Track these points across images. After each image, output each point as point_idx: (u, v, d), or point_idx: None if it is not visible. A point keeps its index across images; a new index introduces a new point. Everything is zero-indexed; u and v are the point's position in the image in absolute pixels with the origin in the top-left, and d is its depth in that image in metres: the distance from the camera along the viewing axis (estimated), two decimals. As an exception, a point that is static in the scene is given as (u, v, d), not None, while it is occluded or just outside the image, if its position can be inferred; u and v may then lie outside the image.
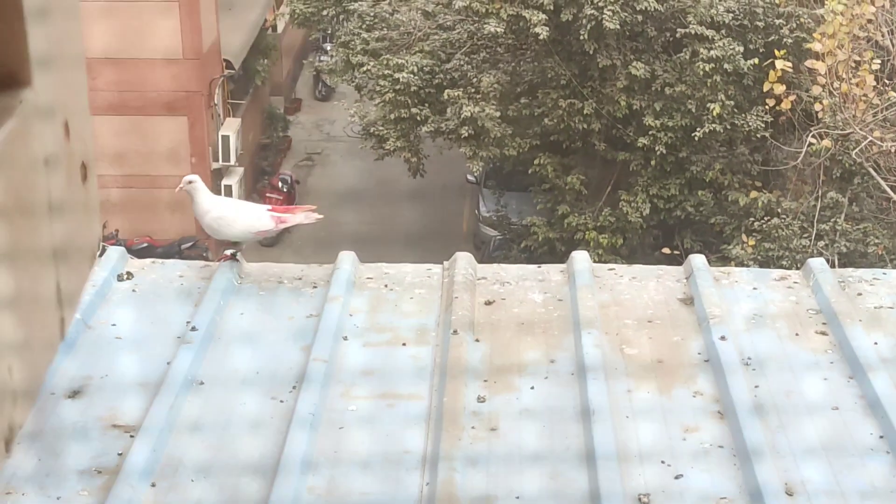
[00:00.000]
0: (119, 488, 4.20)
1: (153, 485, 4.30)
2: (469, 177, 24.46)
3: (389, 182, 25.12)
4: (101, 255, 5.66)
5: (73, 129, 1.13)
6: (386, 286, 5.62)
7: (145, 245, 22.68)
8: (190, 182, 5.83)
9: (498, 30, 19.12)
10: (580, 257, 5.78)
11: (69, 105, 1.13)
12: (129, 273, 5.70)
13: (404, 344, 5.15)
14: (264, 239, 22.61)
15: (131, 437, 4.54)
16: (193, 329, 5.16)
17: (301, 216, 5.83)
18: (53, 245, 1.07)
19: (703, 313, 5.27)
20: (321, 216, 5.77)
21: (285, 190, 25.23)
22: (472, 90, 19.81)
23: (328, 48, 27.04)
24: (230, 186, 24.27)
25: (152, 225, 23.05)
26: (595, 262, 5.91)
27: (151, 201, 23.15)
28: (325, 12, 23.22)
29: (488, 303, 5.45)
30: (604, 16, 18.41)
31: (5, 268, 1.01)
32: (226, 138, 24.23)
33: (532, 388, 4.81)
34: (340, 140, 28.34)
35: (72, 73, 1.16)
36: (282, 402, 4.75)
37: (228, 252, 5.76)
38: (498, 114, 19.44)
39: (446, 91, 19.77)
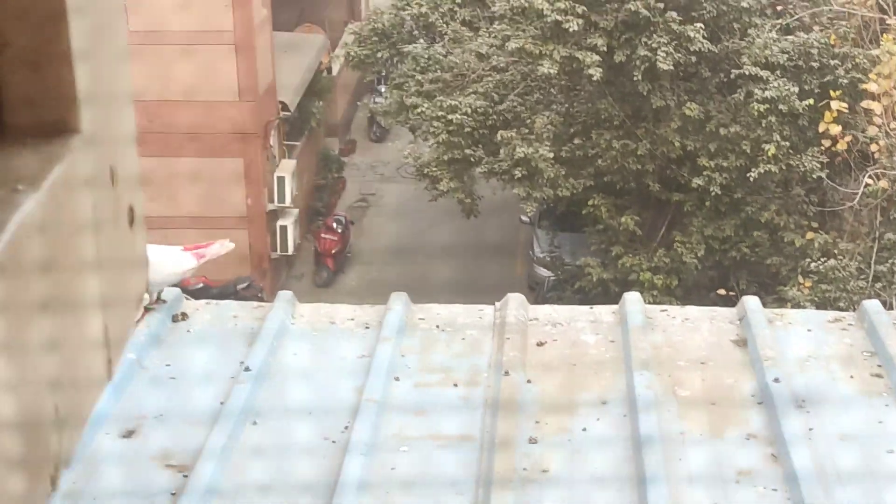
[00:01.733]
0: (172, 527, 4.23)
1: (206, 524, 4.32)
2: (523, 217, 24.51)
3: (443, 223, 25.18)
4: (158, 300, 5.73)
5: (120, 173, 1.15)
6: (437, 327, 5.63)
7: (201, 286, 22.84)
8: None
9: (551, 71, 19.18)
10: (632, 298, 5.77)
11: (117, 150, 1.16)
12: (183, 314, 5.76)
13: (455, 385, 5.16)
14: (318, 280, 22.55)
15: (185, 476, 4.57)
16: (247, 369, 5.20)
17: (216, 246, 5.88)
18: (100, 288, 1.10)
19: (756, 355, 5.23)
20: (233, 244, 5.97)
21: (340, 231, 25.35)
22: (526, 131, 19.86)
23: (382, 90, 27.24)
24: (285, 227, 24.44)
25: (208, 265, 23.18)
26: (650, 303, 5.90)
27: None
28: (379, 55, 23.42)
29: (540, 344, 5.45)
30: (657, 57, 18.43)
31: (52, 312, 1.04)
32: (281, 179, 24.42)
33: (584, 429, 4.80)
34: (395, 181, 28.49)
35: (120, 118, 1.19)
36: (334, 442, 4.77)
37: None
38: (551, 154, 19.47)
39: (500, 132, 19.84)
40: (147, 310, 5.65)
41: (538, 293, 22.29)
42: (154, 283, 5.67)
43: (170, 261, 5.74)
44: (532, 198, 19.95)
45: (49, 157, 1.04)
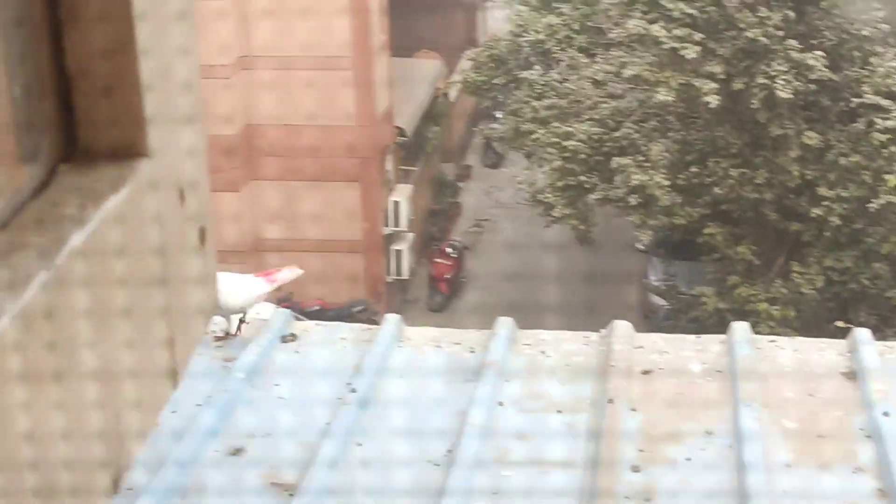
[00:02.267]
0: (276, 545, 4.30)
1: (309, 543, 4.38)
2: (638, 245, 24.35)
3: (557, 249, 25.13)
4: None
5: (189, 195, 1.21)
6: (543, 352, 5.65)
7: (317, 308, 23.08)
8: None
9: (668, 98, 19.07)
10: (740, 328, 5.72)
11: (186, 173, 1.22)
12: (292, 335, 5.85)
13: (559, 411, 5.16)
14: (432, 304, 22.52)
15: (290, 495, 4.65)
16: (353, 390, 5.27)
17: (286, 272, 6.07)
18: (168, 304, 1.15)
19: (866, 388, 5.15)
20: (301, 270, 6.12)
21: (454, 256, 25.44)
22: (641, 158, 19.76)
23: (498, 116, 27.32)
24: (400, 251, 24.62)
25: (324, 288, 23.47)
26: (767, 334, 5.85)
27: (324, 266, 23.61)
28: (496, 81, 23.52)
29: (646, 372, 5.43)
30: (776, 85, 18.21)
31: (120, 325, 1.09)
32: (397, 204, 24.61)
33: (688, 459, 4.77)
34: (509, 207, 28.51)
35: (190, 142, 1.24)
36: (437, 465, 4.80)
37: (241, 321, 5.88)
38: (667, 182, 19.33)
39: (615, 159, 19.77)
40: (226, 336, 5.79)
41: (653, 322, 22.10)
42: (229, 309, 5.80)
43: (243, 287, 5.87)
44: (647, 225, 19.83)
45: (117, 177, 1.11)
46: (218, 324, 5.85)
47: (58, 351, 1.00)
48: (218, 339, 5.81)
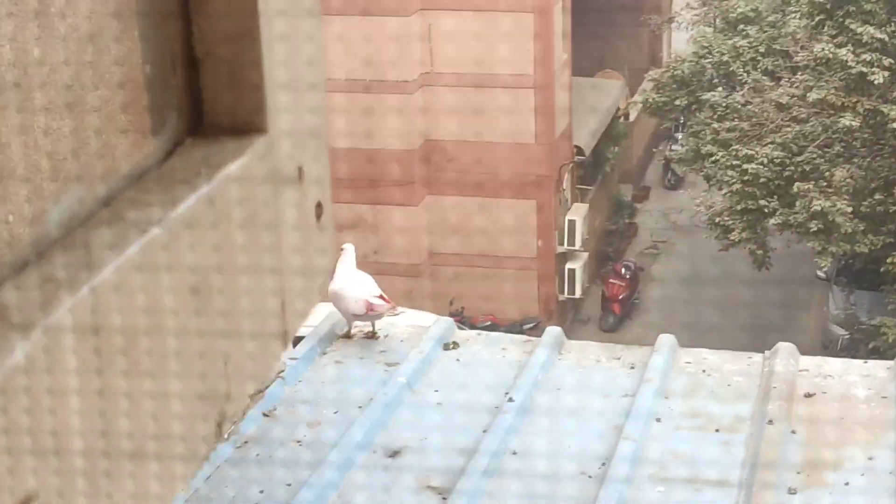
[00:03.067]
0: (427, 546, 4.37)
1: (460, 547, 4.44)
2: (818, 273, 23.81)
3: (733, 274, 24.75)
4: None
5: (307, 172, 1.29)
6: (704, 371, 5.61)
7: (489, 323, 23.19)
8: (341, 249, 6.08)
9: (853, 124, 18.63)
10: (909, 355, 5.59)
11: (305, 151, 1.30)
12: (454, 343, 5.94)
13: (717, 430, 5.12)
14: (604, 325, 22.19)
15: (444, 499, 4.72)
16: (510, 400, 5.32)
17: (388, 307, 5.97)
18: (281, 272, 1.23)
19: None
20: (402, 311, 6.07)
21: (628, 277, 25.28)
22: (824, 184, 19.35)
23: (679, 137, 27.07)
24: (574, 270, 24.56)
25: (496, 304, 23.60)
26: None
27: (496, 281, 23.73)
28: (677, 102, 23.30)
29: (808, 395, 5.35)
30: (968, 112, 17.65)
31: (233, 285, 1.17)
32: (572, 223, 24.57)
33: (846, 483, 4.68)
34: (687, 230, 28.21)
35: (310, 122, 1.32)
36: (590, 477, 4.82)
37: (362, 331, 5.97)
38: (850, 209, 18.88)
39: (796, 184, 19.40)
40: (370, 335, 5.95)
41: (831, 351, 21.59)
42: (340, 311, 5.92)
43: (351, 297, 5.93)
44: (827, 252, 19.39)
45: (236, 151, 1.20)
46: (363, 324, 6.01)
47: (165, 301, 1.09)
48: (367, 335, 5.99)
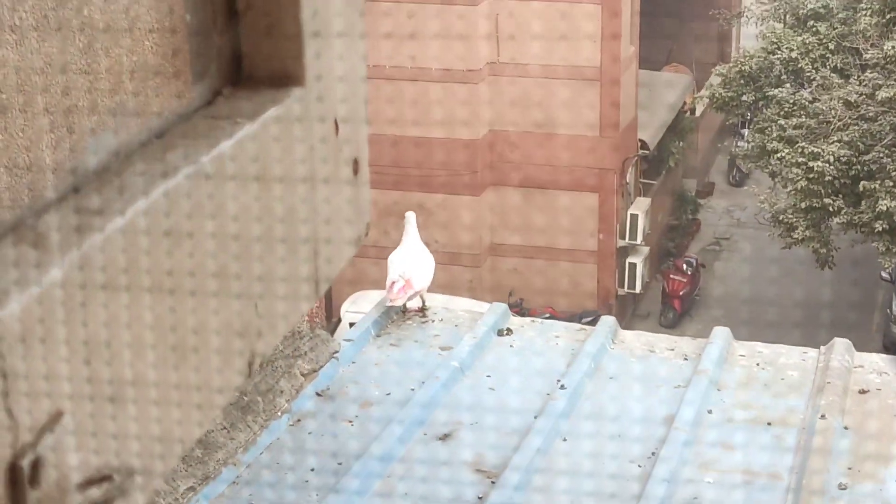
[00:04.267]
0: (474, 528, 4.41)
1: (507, 529, 4.47)
2: (883, 273, 23.56)
3: (796, 273, 24.57)
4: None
5: (344, 128, 1.32)
6: (758, 365, 5.59)
7: (548, 316, 23.17)
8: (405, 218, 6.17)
9: (922, 123, 18.44)
10: (967, 354, 5.54)
11: (343, 105, 1.33)
12: (508, 329, 5.96)
13: (769, 423, 5.11)
14: (664, 320, 21.94)
15: (492, 482, 4.75)
16: (562, 387, 5.34)
17: (416, 298, 5.97)
18: (314, 223, 1.26)
19: None
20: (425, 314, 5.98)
21: (690, 273, 25.12)
22: (891, 184, 19.14)
23: (745, 133, 26.86)
24: (635, 265, 24.47)
25: (555, 297, 23.57)
26: None
27: (556, 273, 23.70)
28: (744, 97, 23.13)
29: (862, 391, 5.31)
30: None
31: (265, 231, 1.21)
32: (634, 217, 24.47)
33: (898, 481, 4.65)
34: (751, 227, 28.02)
35: (348, 77, 1.36)
36: (640, 466, 4.82)
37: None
38: (917, 210, 18.70)
39: (862, 183, 19.21)
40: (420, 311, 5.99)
41: (893, 353, 21.36)
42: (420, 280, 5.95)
43: (392, 276, 5.98)
44: (892, 253, 19.20)
45: (271, 101, 1.24)
46: (412, 301, 6.05)
47: (205, 243, 1.13)
48: (417, 311, 6.03)
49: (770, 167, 21.53)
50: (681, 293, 24.73)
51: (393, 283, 5.95)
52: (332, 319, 20.69)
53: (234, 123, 1.17)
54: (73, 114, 1.05)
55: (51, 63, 1.04)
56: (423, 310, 6.04)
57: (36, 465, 0.90)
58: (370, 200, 1.41)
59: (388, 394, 5.41)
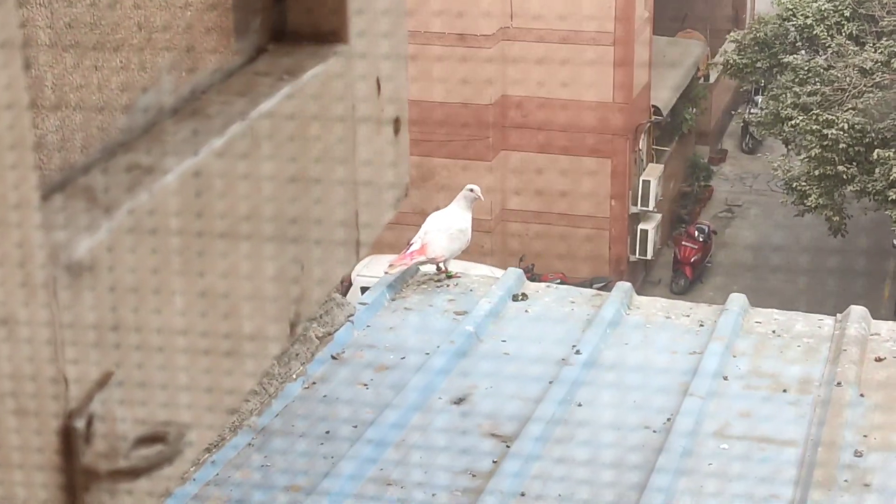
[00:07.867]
0: (489, 493, 4.41)
1: (522, 494, 4.47)
2: (895, 241, 23.51)
3: (808, 240, 24.51)
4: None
5: (385, 87, 1.31)
6: (774, 332, 5.57)
7: (558, 282, 23.16)
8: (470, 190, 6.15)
9: (938, 91, 18.35)
10: (984, 323, 5.52)
11: (384, 66, 1.32)
12: (524, 294, 5.95)
13: (785, 390, 5.10)
14: (675, 287, 21.97)
15: (507, 446, 4.74)
16: (577, 353, 5.33)
17: (404, 263, 5.99)
18: (354, 178, 1.25)
19: None
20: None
21: (702, 240, 25.07)
22: (905, 152, 19.08)
23: (759, 100, 26.75)
24: (646, 231, 24.43)
25: (566, 262, 23.54)
26: None
27: (568, 239, 23.67)
28: (758, 64, 23.03)
29: (879, 359, 5.30)
30: None
31: (307, 190, 1.20)
32: (646, 183, 24.41)
33: (914, 449, 4.64)
34: (763, 194, 27.94)
35: (391, 37, 1.34)
36: (654, 432, 4.82)
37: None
38: (930, 178, 18.64)
39: (876, 151, 19.14)
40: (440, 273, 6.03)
41: (904, 322, 21.33)
42: (448, 249, 5.98)
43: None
44: (905, 222, 19.16)
45: (314, 57, 1.23)
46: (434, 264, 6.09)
47: (242, 207, 1.12)
48: (438, 272, 6.06)
49: (784, 134, 21.46)
50: (692, 260, 24.69)
51: (410, 243, 5.98)
52: (343, 283, 20.71)
53: (277, 80, 1.16)
54: (125, 69, 1.05)
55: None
56: (441, 273, 6.07)
57: (90, 421, 0.89)
58: (409, 162, 1.39)
59: (403, 358, 5.41)
